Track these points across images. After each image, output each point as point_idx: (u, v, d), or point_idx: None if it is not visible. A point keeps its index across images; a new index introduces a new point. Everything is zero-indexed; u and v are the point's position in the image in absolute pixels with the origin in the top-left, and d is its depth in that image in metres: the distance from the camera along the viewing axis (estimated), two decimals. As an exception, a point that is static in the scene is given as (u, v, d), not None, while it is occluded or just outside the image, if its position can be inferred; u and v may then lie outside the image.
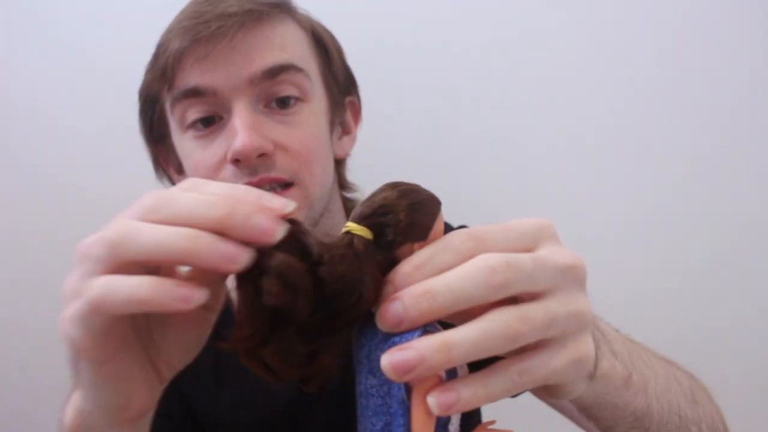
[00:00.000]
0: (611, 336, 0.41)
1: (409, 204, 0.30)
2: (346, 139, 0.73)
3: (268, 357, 0.29)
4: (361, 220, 0.31)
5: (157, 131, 0.68)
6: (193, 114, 0.61)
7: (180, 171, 0.70)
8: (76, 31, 1.06)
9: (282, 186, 0.60)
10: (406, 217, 0.30)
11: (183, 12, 0.62)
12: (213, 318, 0.36)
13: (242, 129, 0.57)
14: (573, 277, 0.31)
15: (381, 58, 0.96)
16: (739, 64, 0.96)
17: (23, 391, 1.10)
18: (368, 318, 0.30)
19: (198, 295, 0.28)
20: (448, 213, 0.72)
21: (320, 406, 0.65)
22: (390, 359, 0.27)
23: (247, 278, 0.29)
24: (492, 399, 0.29)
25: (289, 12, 0.65)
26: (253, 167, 0.59)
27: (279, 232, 0.28)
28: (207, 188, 0.30)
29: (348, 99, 0.73)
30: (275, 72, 0.60)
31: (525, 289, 0.30)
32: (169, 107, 0.63)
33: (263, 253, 0.29)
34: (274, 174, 0.59)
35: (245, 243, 0.28)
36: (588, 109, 1.00)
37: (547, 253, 0.31)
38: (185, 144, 0.63)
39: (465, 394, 0.28)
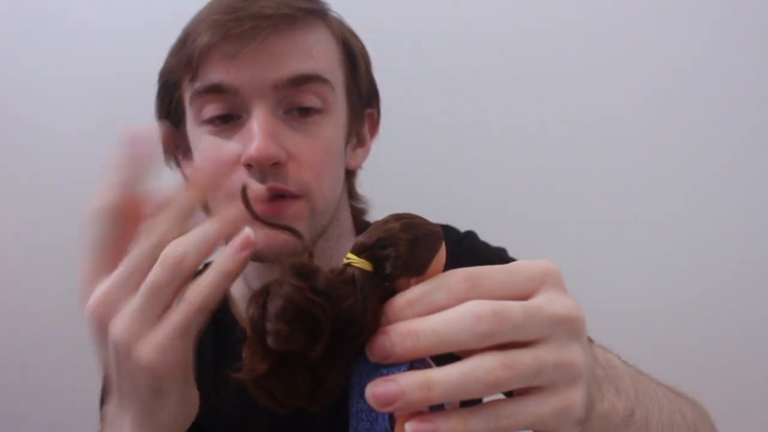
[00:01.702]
0: (619, 371, 0.41)
1: (410, 239, 0.31)
2: (359, 150, 0.72)
3: (272, 388, 0.30)
4: (361, 252, 0.31)
5: (173, 117, 0.68)
6: (211, 110, 0.60)
7: (188, 156, 0.69)
8: (84, 39, 1.07)
9: (290, 197, 0.60)
10: (405, 253, 0.30)
11: (216, 4, 0.61)
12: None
13: (259, 135, 0.57)
14: (568, 328, 0.31)
15: (387, 61, 0.96)
16: None
17: (23, 391, 1.10)
18: (364, 345, 0.31)
19: (249, 233, 0.34)
20: (453, 217, 0.72)
21: (323, 413, 0.65)
22: (372, 390, 0.28)
23: (255, 318, 0.30)
24: None
25: (324, 19, 0.64)
26: (264, 174, 0.58)
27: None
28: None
29: (368, 111, 0.72)
30: (301, 81, 0.59)
31: (513, 339, 0.30)
32: (188, 98, 0.63)
33: (272, 288, 0.30)
34: (283, 185, 0.59)
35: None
36: (613, 108, 0.99)
37: (544, 301, 0.31)
38: (199, 137, 0.63)
39: (443, 426, 0.28)
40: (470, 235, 0.76)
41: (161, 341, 0.34)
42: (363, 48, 0.70)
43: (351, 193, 0.74)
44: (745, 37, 0.96)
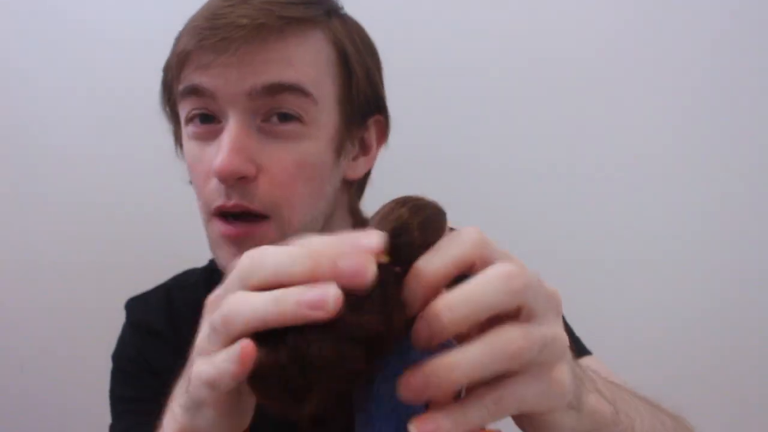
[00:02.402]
0: (593, 376, 0.41)
1: (421, 222, 0.31)
2: (361, 160, 0.68)
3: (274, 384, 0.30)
4: None
5: (174, 111, 0.67)
6: (191, 108, 0.60)
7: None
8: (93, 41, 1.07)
9: (256, 218, 0.58)
10: (419, 237, 0.31)
11: (206, 7, 0.60)
12: None
13: (225, 149, 0.55)
14: (556, 304, 0.33)
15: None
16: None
17: (23, 391, 1.10)
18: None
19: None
20: (453, 221, 0.72)
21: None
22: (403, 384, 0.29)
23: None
24: (471, 427, 0.30)
25: (319, 25, 0.61)
26: (230, 189, 0.57)
27: (370, 270, 0.28)
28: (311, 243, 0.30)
29: (374, 117, 0.68)
30: (276, 90, 0.57)
31: (529, 303, 0.30)
32: (177, 98, 0.63)
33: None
34: (248, 203, 0.57)
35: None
36: (616, 111, 0.99)
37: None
38: (185, 137, 0.63)
39: (444, 424, 0.29)
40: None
41: (198, 372, 0.32)
42: (369, 52, 0.67)
43: (351, 205, 0.70)
44: (749, 41, 0.96)
